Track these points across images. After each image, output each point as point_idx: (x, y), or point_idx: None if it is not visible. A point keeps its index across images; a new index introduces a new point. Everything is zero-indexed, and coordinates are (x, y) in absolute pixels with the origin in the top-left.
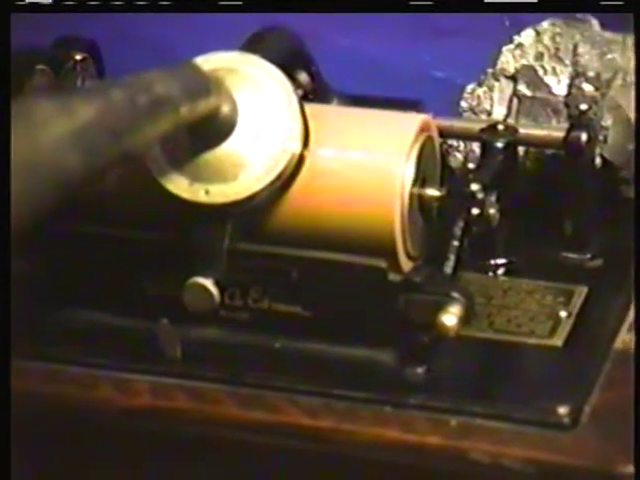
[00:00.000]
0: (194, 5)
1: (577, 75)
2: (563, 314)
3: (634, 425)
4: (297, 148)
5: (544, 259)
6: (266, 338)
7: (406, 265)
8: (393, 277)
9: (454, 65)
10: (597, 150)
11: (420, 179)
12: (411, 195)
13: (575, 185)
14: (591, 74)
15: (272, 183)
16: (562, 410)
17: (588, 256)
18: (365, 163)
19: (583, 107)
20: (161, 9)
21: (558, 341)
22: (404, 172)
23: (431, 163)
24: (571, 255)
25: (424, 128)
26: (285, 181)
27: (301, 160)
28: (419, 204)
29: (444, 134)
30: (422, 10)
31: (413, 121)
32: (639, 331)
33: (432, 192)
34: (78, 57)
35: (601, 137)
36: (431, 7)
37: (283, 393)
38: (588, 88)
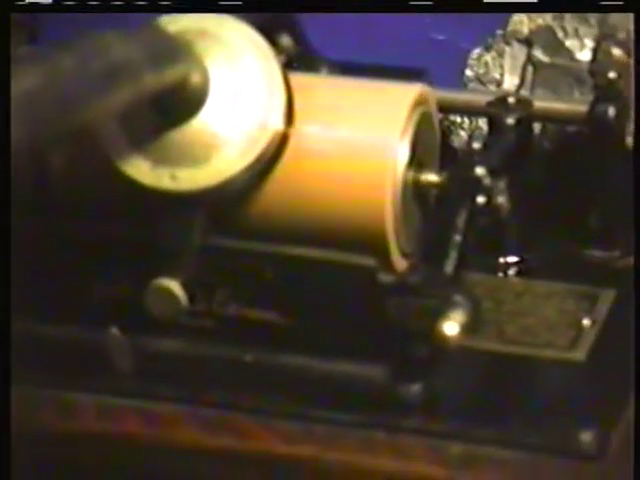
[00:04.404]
0: (194, 5)
1: (604, 37)
2: (586, 322)
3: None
4: (279, 125)
5: (564, 257)
6: (234, 350)
7: (400, 264)
8: (384, 278)
9: (458, 26)
10: (628, 127)
11: (416, 162)
12: (405, 180)
13: (601, 169)
14: (621, 35)
15: (250, 167)
16: (586, 437)
17: (616, 254)
18: (353, 143)
19: (612, 75)
20: (161, 9)
21: (580, 354)
22: (397, 153)
23: (429, 143)
24: (596, 252)
25: (421, 101)
26: (265, 164)
27: (284, 139)
28: (415, 191)
29: (445, 108)
30: (422, 10)
31: (407, 93)
32: (639, 335)
33: (430, 177)
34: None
35: (632, 111)
36: (431, 7)
37: (254, 415)
38: (617, 53)
